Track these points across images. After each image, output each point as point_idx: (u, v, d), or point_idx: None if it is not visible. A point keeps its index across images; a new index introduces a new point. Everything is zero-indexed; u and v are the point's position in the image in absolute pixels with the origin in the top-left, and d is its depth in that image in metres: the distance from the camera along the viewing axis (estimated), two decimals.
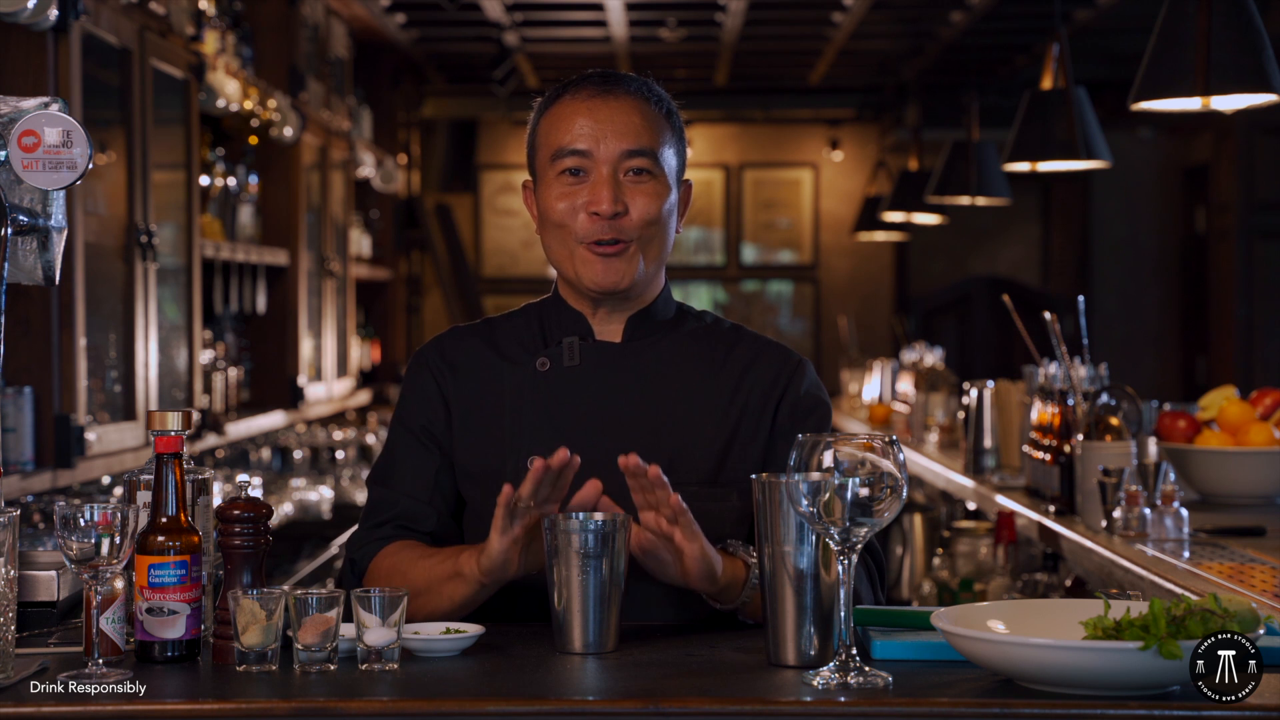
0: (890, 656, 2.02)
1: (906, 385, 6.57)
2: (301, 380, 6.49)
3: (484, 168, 11.51)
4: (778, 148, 11.62)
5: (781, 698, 1.87)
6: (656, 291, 2.45)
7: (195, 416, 4.27)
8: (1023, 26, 8.53)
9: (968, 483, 4.59)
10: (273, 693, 1.89)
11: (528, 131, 2.46)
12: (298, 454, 6.59)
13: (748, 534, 2.35)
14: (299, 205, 6.48)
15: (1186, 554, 3.06)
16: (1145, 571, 2.87)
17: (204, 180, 5.45)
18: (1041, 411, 3.74)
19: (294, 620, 1.96)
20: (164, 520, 2.03)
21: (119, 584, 2.03)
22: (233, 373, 5.79)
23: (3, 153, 2.20)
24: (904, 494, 1.90)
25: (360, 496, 6.40)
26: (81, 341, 4.01)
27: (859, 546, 1.91)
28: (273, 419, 6.12)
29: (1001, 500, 4.10)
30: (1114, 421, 3.48)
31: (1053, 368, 3.79)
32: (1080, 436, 3.50)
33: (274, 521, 2.62)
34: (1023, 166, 5.12)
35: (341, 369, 7.46)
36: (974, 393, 4.69)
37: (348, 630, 2.01)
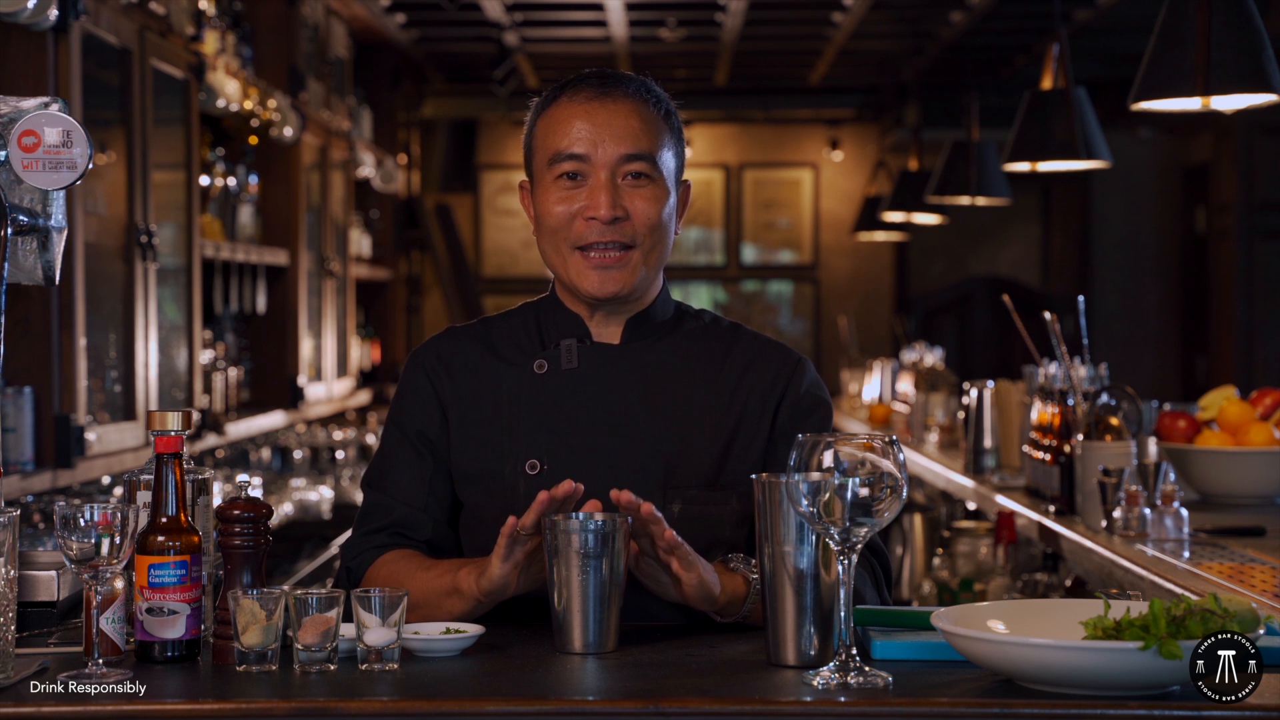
0: (890, 656, 2.01)
1: (906, 385, 6.57)
2: (301, 380, 6.49)
3: (484, 168, 11.51)
4: (778, 148, 11.62)
5: (781, 698, 1.86)
6: (655, 293, 2.44)
7: (195, 416, 4.27)
8: (1023, 26, 8.53)
9: (968, 483, 4.59)
10: (273, 693, 1.89)
11: (524, 132, 2.44)
12: (298, 454, 6.59)
13: (748, 537, 2.34)
14: (299, 205, 6.48)
15: (1186, 554, 3.06)
16: (1145, 571, 2.87)
17: (204, 180, 5.45)
18: (1041, 411, 3.74)
19: (294, 620, 1.96)
20: (164, 520, 2.03)
21: (119, 584, 2.03)
22: (233, 373, 5.79)
23: (3, 153, 2.20)
24: (904, 494, 1.90)
25: (360, 497, 6.39)
26: (81, 341, 4.01)
27: (859, 546, 1.91)
28: (273, 419, 6.12)
29: (1001, 500, 4.10)
30: (1114, 421, 3.48)
31: (1053, 368, 3.78)
32: (1080, 436, 3.50)
33: (274, 521, 2.62)
34: (1023, 166, 5.12)
35: (341, 369, 7.46)
36: (974, 393, 4.69)
37: (348, 630, 2.01)
